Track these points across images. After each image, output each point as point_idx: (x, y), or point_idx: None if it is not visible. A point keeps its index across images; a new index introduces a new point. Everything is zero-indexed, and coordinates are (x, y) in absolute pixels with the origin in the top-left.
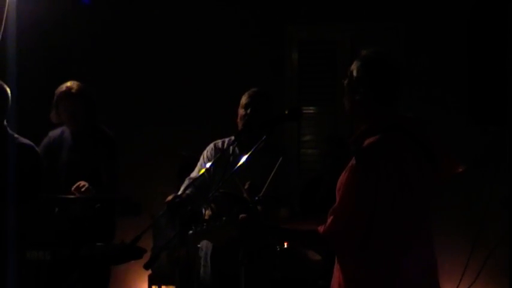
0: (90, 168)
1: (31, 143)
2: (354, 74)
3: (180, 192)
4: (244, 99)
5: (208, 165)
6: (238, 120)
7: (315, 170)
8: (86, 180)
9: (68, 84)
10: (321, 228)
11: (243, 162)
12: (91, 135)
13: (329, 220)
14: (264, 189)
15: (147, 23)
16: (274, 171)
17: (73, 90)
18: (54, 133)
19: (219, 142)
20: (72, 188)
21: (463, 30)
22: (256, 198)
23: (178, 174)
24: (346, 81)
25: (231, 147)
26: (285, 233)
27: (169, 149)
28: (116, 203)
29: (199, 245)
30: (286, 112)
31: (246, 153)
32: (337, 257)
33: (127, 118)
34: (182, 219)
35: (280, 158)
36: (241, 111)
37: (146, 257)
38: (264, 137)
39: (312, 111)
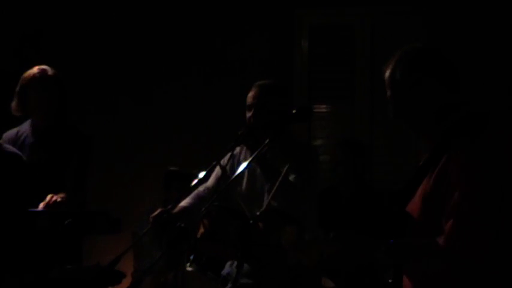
0: (56, 170)
1: (16, 151)
2: (411, 71)
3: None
4: (247, 98)
5: (201, 175)
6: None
7: (328, 180)
8: (50, 186)
9: (42, 66)
10: (439, 239)
11: (242, 172)
12: (60, 132)
13: (449, 225)
14: (266, 202)
15: (129, 7)
16: (279, 180)
17: (48, 74)
18: (9, 134)
19: (238, 148)
20: (41, 205)
21: (505, 15)
22: (258, 213)
23: (164, 187)
24: (392, 84)
25: (236, 152)
26: (399, 248)
27: (155, 160)
28: (91, 217)
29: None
30: (294, 111)
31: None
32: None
33: (107, 123)
34: (170, 238)
35: (287, 166)
36: (246, 113)
37: (126, 282)
38: (267, 141)
39: (324, 110)
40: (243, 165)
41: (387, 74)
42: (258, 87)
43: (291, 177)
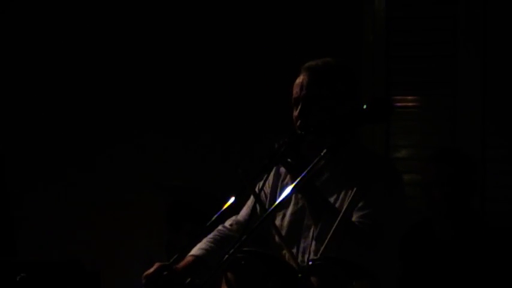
0: None
1: None
2: None
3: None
4: (294, 87)
5: (231, 200)
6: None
7: (417, 212)
8: None
9: None
10: None
11: (285, 199)
12: None
13: None
14: (323, 247)
15: None
16: (342, 212)
17: None
18: None
19: None
20: None
21: None
22: (310, 262)
23: (167, 219)
24: None
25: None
26: None
27: (149, 179)
28: (55, 270)
29: None
30: (365, 107)
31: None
32: None
33: (81, 132)
34: None
35: (354, 189)
36: (293, 112)
37: None
38: (324, 151)
39: (410, 104)
40: (287, 190)
41: None
42: (308, 71)
43: (358, 215)
